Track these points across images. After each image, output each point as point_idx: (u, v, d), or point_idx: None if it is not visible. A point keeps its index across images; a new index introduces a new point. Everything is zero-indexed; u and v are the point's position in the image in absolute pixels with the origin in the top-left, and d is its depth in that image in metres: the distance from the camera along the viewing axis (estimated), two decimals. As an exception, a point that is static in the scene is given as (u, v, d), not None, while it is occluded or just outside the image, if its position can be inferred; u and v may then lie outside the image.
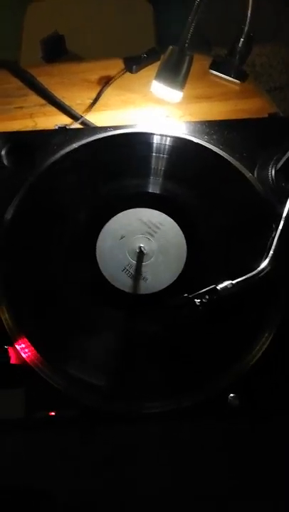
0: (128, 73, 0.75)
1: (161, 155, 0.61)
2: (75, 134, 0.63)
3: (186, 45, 0.58)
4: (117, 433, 0.48)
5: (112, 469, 0.47)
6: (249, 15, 0.67)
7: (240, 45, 0.72)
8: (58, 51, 1.06)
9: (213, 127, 0.62)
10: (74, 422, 0.48)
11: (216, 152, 0.58)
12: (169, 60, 0.61)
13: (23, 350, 0.50)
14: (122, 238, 0.56)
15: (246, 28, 0.70)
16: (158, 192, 0.59)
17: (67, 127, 0.66)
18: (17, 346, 0.50)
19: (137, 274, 0.54)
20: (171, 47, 0.61)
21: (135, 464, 0.47)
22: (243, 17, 0.68)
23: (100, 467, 0.47)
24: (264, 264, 0.50)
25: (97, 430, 0.48)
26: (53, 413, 0.48)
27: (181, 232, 0.56)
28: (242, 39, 0.71)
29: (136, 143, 0.61)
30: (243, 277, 0.50)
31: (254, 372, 0.50)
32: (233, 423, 0.48)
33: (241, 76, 0.74)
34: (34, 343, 0.51)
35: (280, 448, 0.48)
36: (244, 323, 0.52)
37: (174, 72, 0.61)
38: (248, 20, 0.68)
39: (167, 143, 0.61)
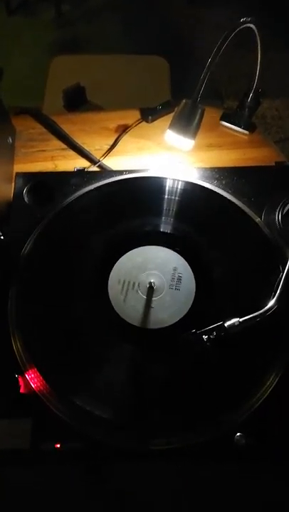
0: (144, 123, 0.81)
1: (173, 197, 0.64)
2: (93, 176, 0.67)
3: (198, 99, 0.63)
4: (123, 468, 0.48)
5: (117, 504, 0.46)
6: (258, 72, 0.73)
7: (249, 99, 0.78)
8: (79, 101, 1.14)
9: (222, 173, 0.66)
10: (80, 455, 0.48)
11: (224, 196, 0.62)
12: (183, 111, 0.66)
13: (32, 379, 0.51)
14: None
15: (255, 85, 0.76)
16: (169, 231, 0.62)
17: (86, 170, 0.70)
18: (27, 376, 0.51)
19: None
20: (184, 100, 0.66)
21: (141, 499, 0.46)
22: (253, 74, 0.74)
23: (105, 502, 0.46)
24: (271, 303, 0.52)
25: (103, 464, 0.48)
26: (58, 445, 0.48)
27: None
28: (251, 94, 0.77)
29: (149, 186, 0.65)
30: (250, 315, 0.51)
31: (262, 411, 0.50)
32: (240, 463, 0.48)
33: (250, 127, 0.80)
34: (44, 373, 0.52)
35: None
36: (252, 361, 0.53)
37: (187, 123, 0.66)
38: (256, 77, 0.74)
39: (179, 187, 0.65)
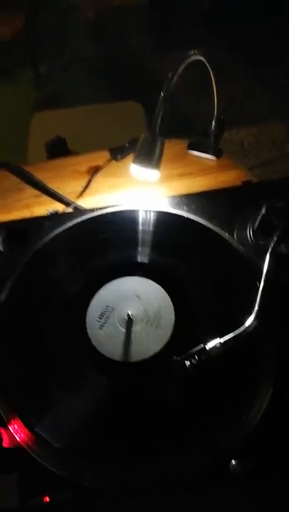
0: (114, 162, 0.83)
1: (146, 228, 0.64)
2: (66, 217, 0.68)
3: (157, 130, 0.65)
4: (116, 508, 0.45)
5: None
6: (215, 101, 0.76)
7: (212, 127, 0.80)
8: (60, 152, 1.18)
9: (192, 199, 0.66)
10: (72, 505, 0.45)
11: (194, 220, 0.62)
12: (143, 145, 0.68)
13: (16, 431, 0.49)
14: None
15: (215, 113, 0.78)
16: (145, 261, 0.62)
17: (59, 212, 0.71)
18: (10, 427, 0.49)
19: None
20: (143, 135, 0.68)
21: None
22: (212, 104, 0.77)
23: None
24: (250, 320, 0.50)
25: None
26: (47, 498, 0.46)
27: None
28: (213, 123, 0.80)
29: (120, 220, 0.65)
30: (231, 335, 0.50)
31: (257, 436, 0.47)
32: (236, 491, 0.44)
33: (217, 153, 0.81)
34: (28, 423, 0.50)
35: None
36: (239, 381, 0.51)
37: (148, 155, 0.67)
38: (215, 105, 0.77)
39: (151, 217, 0.65)
